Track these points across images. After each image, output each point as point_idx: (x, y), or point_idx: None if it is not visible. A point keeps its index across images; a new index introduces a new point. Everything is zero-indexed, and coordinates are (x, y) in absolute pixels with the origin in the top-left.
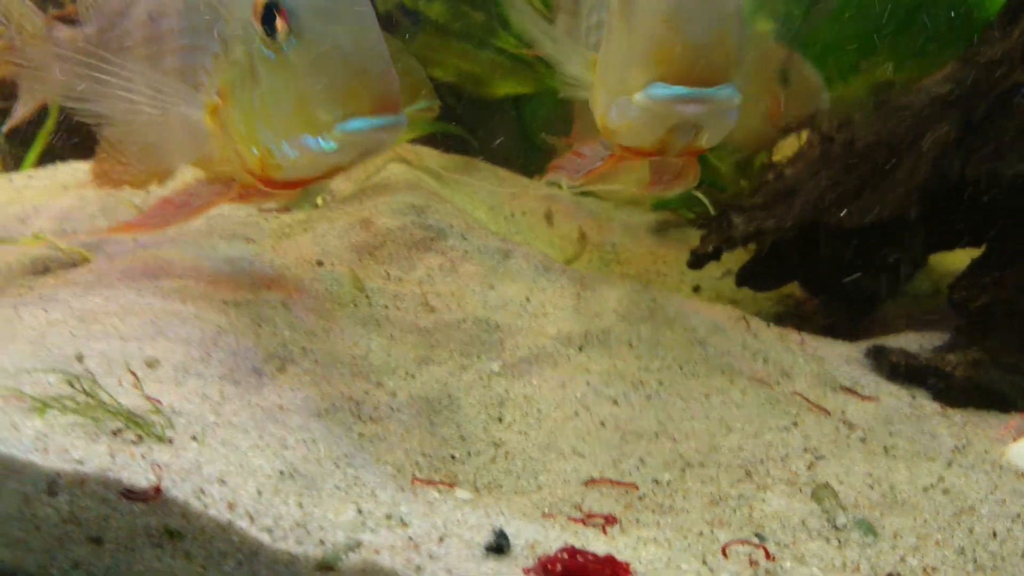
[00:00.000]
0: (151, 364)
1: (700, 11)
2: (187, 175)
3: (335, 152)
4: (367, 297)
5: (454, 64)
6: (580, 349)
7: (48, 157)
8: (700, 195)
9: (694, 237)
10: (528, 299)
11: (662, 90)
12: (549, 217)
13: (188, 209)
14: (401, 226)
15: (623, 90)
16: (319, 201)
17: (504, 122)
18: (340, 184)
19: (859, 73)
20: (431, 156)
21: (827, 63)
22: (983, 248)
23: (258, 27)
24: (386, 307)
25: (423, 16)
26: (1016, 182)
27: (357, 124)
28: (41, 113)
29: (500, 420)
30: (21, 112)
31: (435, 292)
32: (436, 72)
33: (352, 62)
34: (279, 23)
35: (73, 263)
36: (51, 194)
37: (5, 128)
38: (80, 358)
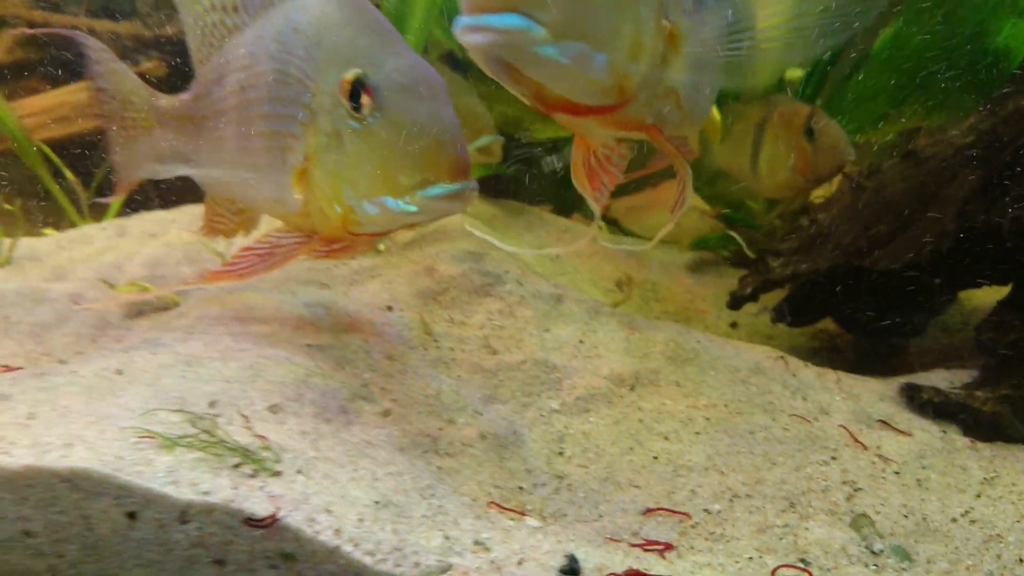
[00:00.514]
0: (254, 404)
1: None
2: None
3: (414, 213)
4: (435, 340)
5: (500, 110)
6: (632, 389)
7: (133, 206)
8: (735, 235)
9: (729, 274)
10: (581, 341)
11: (456, 21)
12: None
13: (272, 259)
14: (461, 273)
15: None
16: (381, 247)
17: (544, 165)
18: (400, 232)
19: (890, 121)
20: (482, 202)
21: (859, 112)
22: (1008, 289)
23: (345, 102)
24: (452, 349)
25: (472, 65)
26: None
27: (435, 190)
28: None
29: (561, 455)
30: (126, 184)
31: (496, 335)
32: None
33: (430, 134)
34: (365, 99)
35: (165, 307)
36: (140, 242)
37: (112, 199)
38: (213, 404)
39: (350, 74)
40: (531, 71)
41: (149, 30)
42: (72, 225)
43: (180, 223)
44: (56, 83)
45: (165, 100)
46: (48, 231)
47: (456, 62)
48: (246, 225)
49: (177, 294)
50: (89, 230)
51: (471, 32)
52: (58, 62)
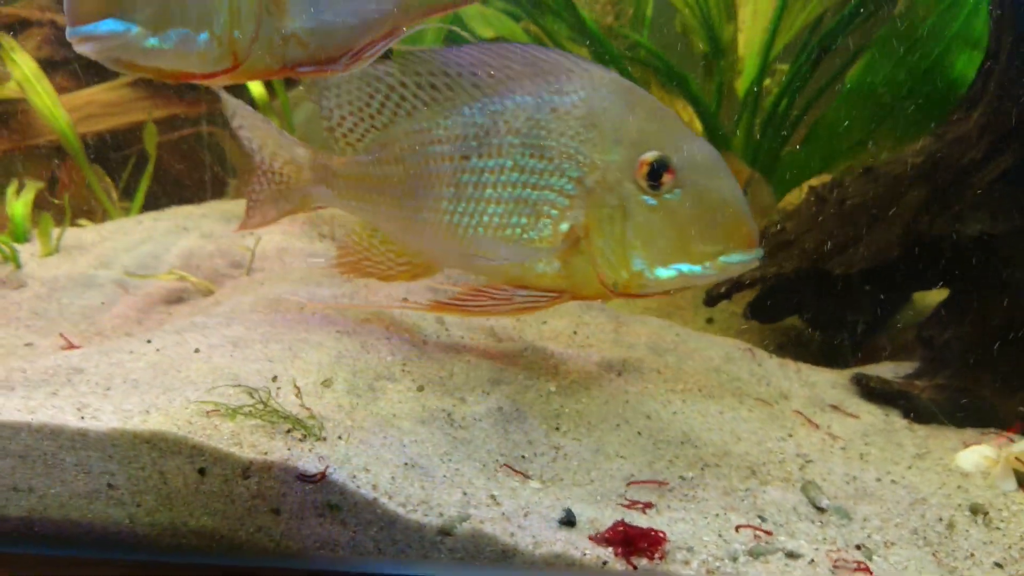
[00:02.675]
0: (296, 381)
1: None
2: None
3: (710, 276)
4: (447, 329)
5: None
6: (619, 374)
7: (169, 201)
8: None
9: None
10: (575, 332)
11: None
12: None
13: (510, 305)
14: None
15: None
16: None
17: None
18: None
19: (862, 151)
20: None
21: (833, 143)
22: (948, 293)
23: (641, 180)
24: (462, 337)
25: None
26: (972, 241)
27: (736, 258)
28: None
29: (558, 429)
30: (256, 224)
31: (500, 326)
32: None
33: (727, 207)
34: (666, 178)
35: (202, 294)
36: (175, 234)
37: (239, 230)
38: (275, 378)
39: (650, 156)
40: (144, 62)
41: None
42: (106, 217)
43: (210, 217)
44: (80, 82)
45: (334, 160)
46: (83, 222)
47: None
48: (412, 275)
49: (211, 283)
50: (126, 223)
51: (79, 43)
52: (83, 61)
